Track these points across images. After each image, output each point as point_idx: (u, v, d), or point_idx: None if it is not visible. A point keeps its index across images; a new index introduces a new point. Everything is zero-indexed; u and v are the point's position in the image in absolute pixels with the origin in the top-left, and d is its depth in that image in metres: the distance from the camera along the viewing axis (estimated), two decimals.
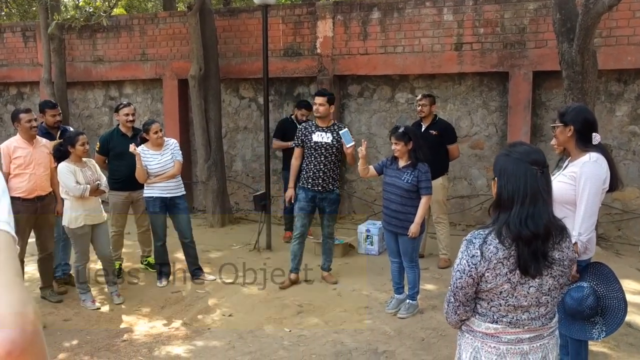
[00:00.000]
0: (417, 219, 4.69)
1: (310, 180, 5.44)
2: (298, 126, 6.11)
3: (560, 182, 3.08)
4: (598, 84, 6.47)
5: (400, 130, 4.70)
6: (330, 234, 5.70)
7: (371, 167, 5.00)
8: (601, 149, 3.14)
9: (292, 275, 5.58)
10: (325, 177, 5.43)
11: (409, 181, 4.67)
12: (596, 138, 3.11)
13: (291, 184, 5.65)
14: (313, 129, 5.48)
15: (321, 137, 5.41)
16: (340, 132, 5.29)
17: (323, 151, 5.40)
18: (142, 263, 6.25)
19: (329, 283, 5.61)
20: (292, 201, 5.66)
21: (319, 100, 5.40)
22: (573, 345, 3.31)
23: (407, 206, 4.70)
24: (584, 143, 3.11)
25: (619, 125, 7.00)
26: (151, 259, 6.11)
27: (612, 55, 6.60)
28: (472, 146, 7.65)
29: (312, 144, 5.42)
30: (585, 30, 5.16)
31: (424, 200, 4.72)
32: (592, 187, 3.01)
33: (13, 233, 0.97)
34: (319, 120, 5.47)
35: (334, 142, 5.40)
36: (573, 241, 2.14)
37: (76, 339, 4.52)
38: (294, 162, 5.62)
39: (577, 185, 3.04)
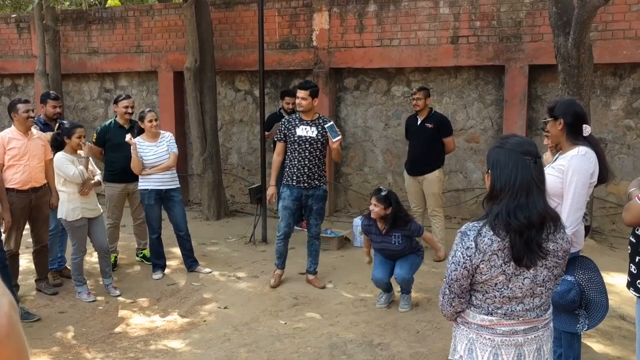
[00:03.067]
0: (437, 245, 5.19)
1: (294, 177, 5.18)
2: (286, 117, 5.83)
3: (549, 175, 3.10)
4: (593, 78, 6.48)
5: (383, 193, 4.64)
6: (317, 235, 5.42)
7: (370, 250, 5.03)
8: (591, 141, 3.16)
9: (278, 271, 5.42)
10: (310, 174, 5.17)
11: (400, 242, 4.70)
12: (586, 130, 3.13)
13: (272, 181, 5.35)
14: (297, 122, 5.21)
15: (305, 131, 5.14)
16: (326, 125, 5.09)
17: (308, 146, 5.14)
18: (137, 256, 6.24)
19: (316, 287, 5.35)
20: (274, 199, 5.42)
21: (301, 94, 5.12)
22: (566, 337, 3.33)
23: (407, 249, 4.77)
24: (575, 136, 3.14)
25: (614, 119, 7.01)
26: (146, 252, 6.10)
27: (607, 49, 6.61)
28: (468, 139, 7.66)
29: (296, 138, 5.15)
30: (581, 24, 5.16)
31: (426, 234, 4.92)
32: (579, 181, 3.03)
33: None
34: (303, 114, 5.21)
35: (319, 137, 5.15)
36: None
37: (71, 331, 4.51)
38: (276, 158, 5.34)
39: (565, 178, 3.06)
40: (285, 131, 5.24)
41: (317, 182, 5.23)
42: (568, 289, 3.03)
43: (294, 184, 5.21)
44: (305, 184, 5.20)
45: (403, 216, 4.70)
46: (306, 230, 6.72)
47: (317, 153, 5.19)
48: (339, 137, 5.06)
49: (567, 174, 3.04)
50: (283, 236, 5.34)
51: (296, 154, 5.19)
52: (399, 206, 4.69)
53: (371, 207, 4.66)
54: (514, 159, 2.03)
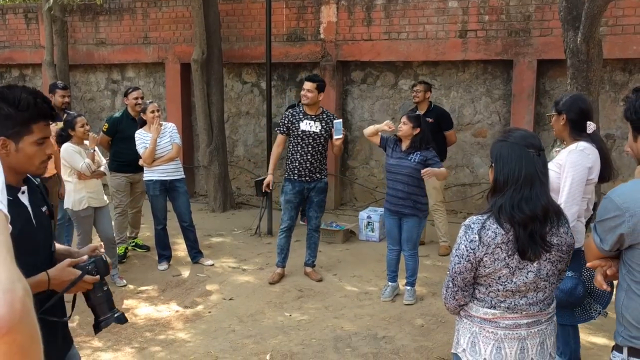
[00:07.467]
0: (437, 171, 4.55)
1: (296, 172, 5.16)
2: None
3: (549, 170, 3.09)
4: (603, 73, 6.43)
5: (416, 112, 4.69)
6: (316, 227, 5.41)
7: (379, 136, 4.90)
8: (594, 138, 3.13)
9: (279, 270, 5.39)
10: (312, 168, 5.15)
11: (416, 160, 4.58)
12: (590, 127, 3.10)
13: (271, 170, 5.35)
14: (301, 116, 5.15)
15: (309, 126, 5.11)
16: (335, 121, 5.10)
17: (311, 141, 5.11)
18: (130, 245, 6.27)
19: (313, 280, 5.35)
20: (270, 188, 5.37)
21: (308, 86, 5.08)
22: (563, 332, 3.32)
23: (414, 187, 4.64)
24: (578, 132, 3.11)
25: (622, 115, 6.96)
26: (138, 240, 6.29)
27: (617, 45, 6.56)
28: (475, 134, 7.63)
29: (300, 132, 5.11)
30: (591, 19, 5.12)
31: (442, 170, 4.66)
32: (575, 176, 3.00)
33: (5, 211, 0.96)
34: (307, 108, 5.16)
35: (323, 132, 5.12)
36: None
37: (77, 320, 4.54)
38: (276, 150, 5.30)
39: (561, 173, 3.04)
40: (289, 124, 5.19)
41: (318, 175, 5.23)
42: (574, 285, 3.02)
43: (295, 178, 5.19)
44: (307, 178, 5.18)
45: (428, 141, 4.67)
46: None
47: (320, 148, 5.17)
48: (342, 135, 5.08)
49: (564, 169, 3.03)
50: (286, 228, 5.32)
51: (299, 148, 5.15)
52: (426, 131, 4.69)
53: (400, 126, 4.67)
54: (518, 152, 2.04)
